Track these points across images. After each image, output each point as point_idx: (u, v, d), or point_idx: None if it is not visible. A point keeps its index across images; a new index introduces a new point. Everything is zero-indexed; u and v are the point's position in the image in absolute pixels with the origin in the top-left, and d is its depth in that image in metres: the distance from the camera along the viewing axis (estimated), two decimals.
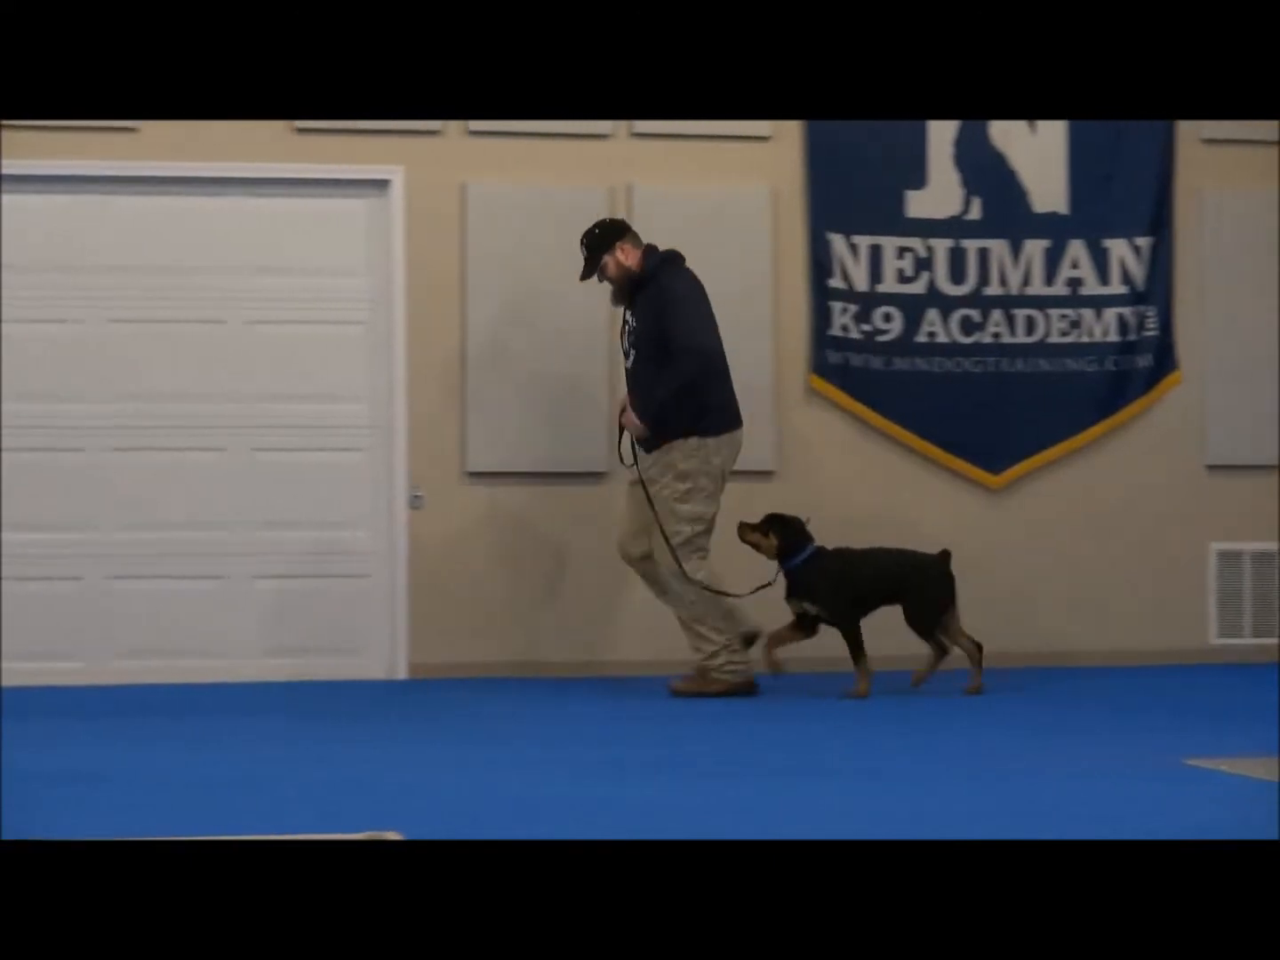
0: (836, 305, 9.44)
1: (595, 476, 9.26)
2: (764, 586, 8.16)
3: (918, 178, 9.53)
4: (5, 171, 8.80)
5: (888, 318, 9.49)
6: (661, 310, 8.09)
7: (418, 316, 9.18)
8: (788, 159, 9.46)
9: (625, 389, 8.38)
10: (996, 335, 9.58)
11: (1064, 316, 9.63)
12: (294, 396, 9.17)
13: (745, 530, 8.18)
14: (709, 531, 8.24)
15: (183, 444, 9.09)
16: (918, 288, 9.52)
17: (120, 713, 7.92)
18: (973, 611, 8.41)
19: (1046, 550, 9.61)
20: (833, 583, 8.11)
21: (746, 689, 8.17)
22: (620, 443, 8.41)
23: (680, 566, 8.06)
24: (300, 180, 9.15)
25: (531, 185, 9.26)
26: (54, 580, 8.98)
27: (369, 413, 9.23)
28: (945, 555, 8.25)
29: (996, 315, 9.58)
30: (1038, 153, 9.61)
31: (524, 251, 9.22)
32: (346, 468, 9.22)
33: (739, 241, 9.36)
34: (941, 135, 9.53)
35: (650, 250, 8.26)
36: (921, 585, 8.18)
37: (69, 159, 8.97)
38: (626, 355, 8.35)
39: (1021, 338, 9.61)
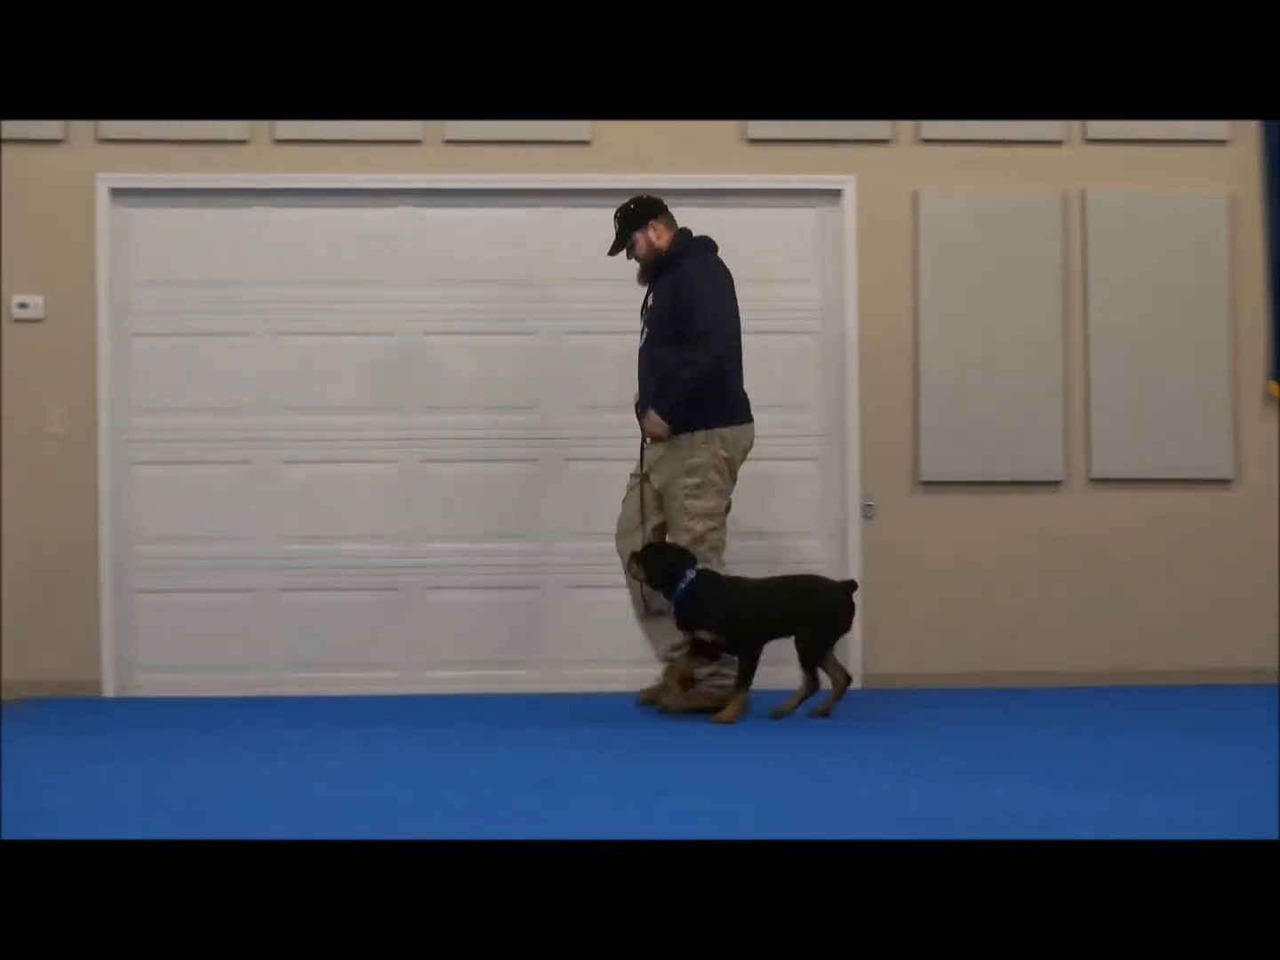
0: None
1: (1050, 485, 9.18)
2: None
3: None
4: (469, 186, 9.06)
5: None
6: (683, 293, 7.82)
7: (869, 324, 9.17)
8: (1245, 162, 9.29)
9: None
10: None
11: None
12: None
13: (633, 560, 7.73)
14: (723, 527, 7.90)
15: (622, 454, 9.14)
16: None
17: (574, 720, 7.91)
18: None
19: None
20: (723, 608, 7.56)
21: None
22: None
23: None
24: (753, 190, 9.19)
25: (983, 192, 9.21)
26: (518, 589, 9.18)
27: (821, 421, 9.24)
28: (850, 585, 7.71)
29: None
30: None
31: (977, 259, 9.18)
32: (798, 476, 9.23)
33: (1195, 247, 9.22)
34: None
35: (683, 232, 8.07)
36: (820, 613, 7.58)
37: (522, 173, 9.13)
38: (641, 334, 8.09)
39: None
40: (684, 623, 7.63)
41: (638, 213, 8.06)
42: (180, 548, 9.10)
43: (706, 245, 8.04)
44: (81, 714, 8.27)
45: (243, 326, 9.13)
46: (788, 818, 4.99)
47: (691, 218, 9.11)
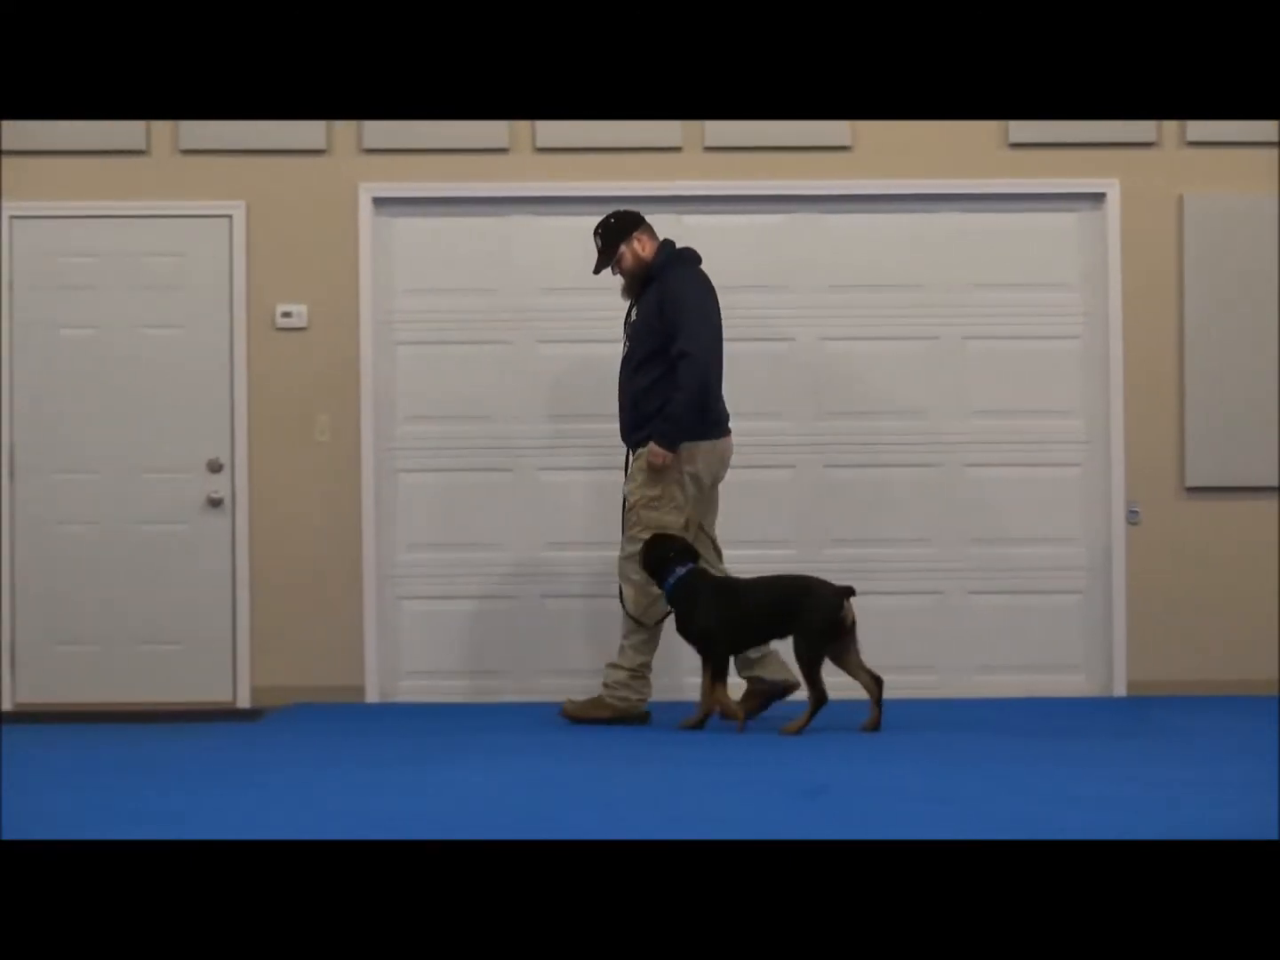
0: None
1: None
2: (666, 615, 7.75)
3: None
4: (730, 193, 9.03)
5: None
6: (668, 307, 7.73)
7: (1133, 330, 9.08)
8: None
9: None
10: None
11: None
12: (1008, 411, 9.15)
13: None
14: None
15: (898, 460, 9.13)
16: None
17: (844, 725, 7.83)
18: None
19: None
20: (696, 606, 7.49)
21: (638, 719, 7.85)
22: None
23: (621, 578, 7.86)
24: (1014, 195, 9.13)
25: (1249, 195, 9.09)
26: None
27: (1085, 427, 9.16)
28: (846, 590, 7.38)
29: None
30: None
31: (1243, 262, 9.07)
32: (1062, 483, 9.15)
33: None
34: None
35: (666, 243, 7.96)
36: (807, 616, 7.35)
37: (783, 179, 9.12)
38: (624, 346, 7.99)
39: None
40: (676, 620, 7.64)
41: (620, 226, 8.00)
42: (441, 555, 9.16)
43: (691, 257, 7.99)
44: (346, 719, 8.32)
45: (503, 335, 9.19)
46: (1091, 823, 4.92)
47: (952, 224, 9.14)
